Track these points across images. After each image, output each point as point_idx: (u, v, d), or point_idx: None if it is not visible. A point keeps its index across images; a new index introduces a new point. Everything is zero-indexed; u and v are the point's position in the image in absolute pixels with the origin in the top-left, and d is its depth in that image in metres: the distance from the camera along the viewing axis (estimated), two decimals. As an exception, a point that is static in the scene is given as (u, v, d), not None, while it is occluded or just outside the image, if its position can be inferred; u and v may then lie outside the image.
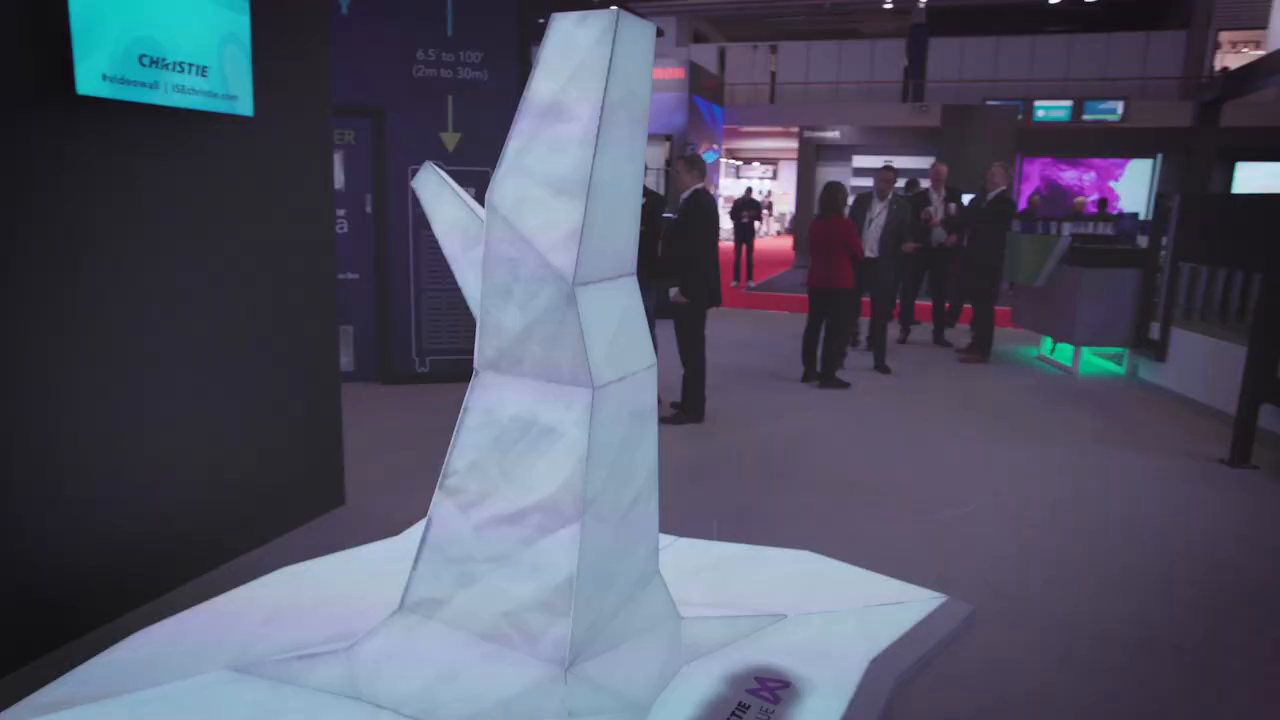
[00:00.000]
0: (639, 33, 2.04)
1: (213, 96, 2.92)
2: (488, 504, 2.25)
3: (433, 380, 6.20)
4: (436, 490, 2.32)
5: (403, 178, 6.03)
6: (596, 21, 1.97)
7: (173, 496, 3.02)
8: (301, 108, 3.48)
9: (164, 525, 2.98)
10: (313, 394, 3.72)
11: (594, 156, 1.97)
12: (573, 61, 1.99)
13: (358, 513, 3.84)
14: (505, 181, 2.09)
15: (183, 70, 2.80)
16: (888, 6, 22.27)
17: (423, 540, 2.34)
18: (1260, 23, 23.76)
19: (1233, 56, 25.65)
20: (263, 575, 2.92)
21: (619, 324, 2.21)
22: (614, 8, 1.93)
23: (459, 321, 6.28)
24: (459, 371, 6.29)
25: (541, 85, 2.03)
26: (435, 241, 6.23)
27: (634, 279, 2.30)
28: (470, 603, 2.26)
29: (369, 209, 6.00)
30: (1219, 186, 19.60)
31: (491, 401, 2.25)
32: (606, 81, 1.95)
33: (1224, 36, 24.80)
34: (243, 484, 3.33)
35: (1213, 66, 23.66)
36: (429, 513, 2.33)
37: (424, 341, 6.20)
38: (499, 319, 2.19)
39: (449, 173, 6.38)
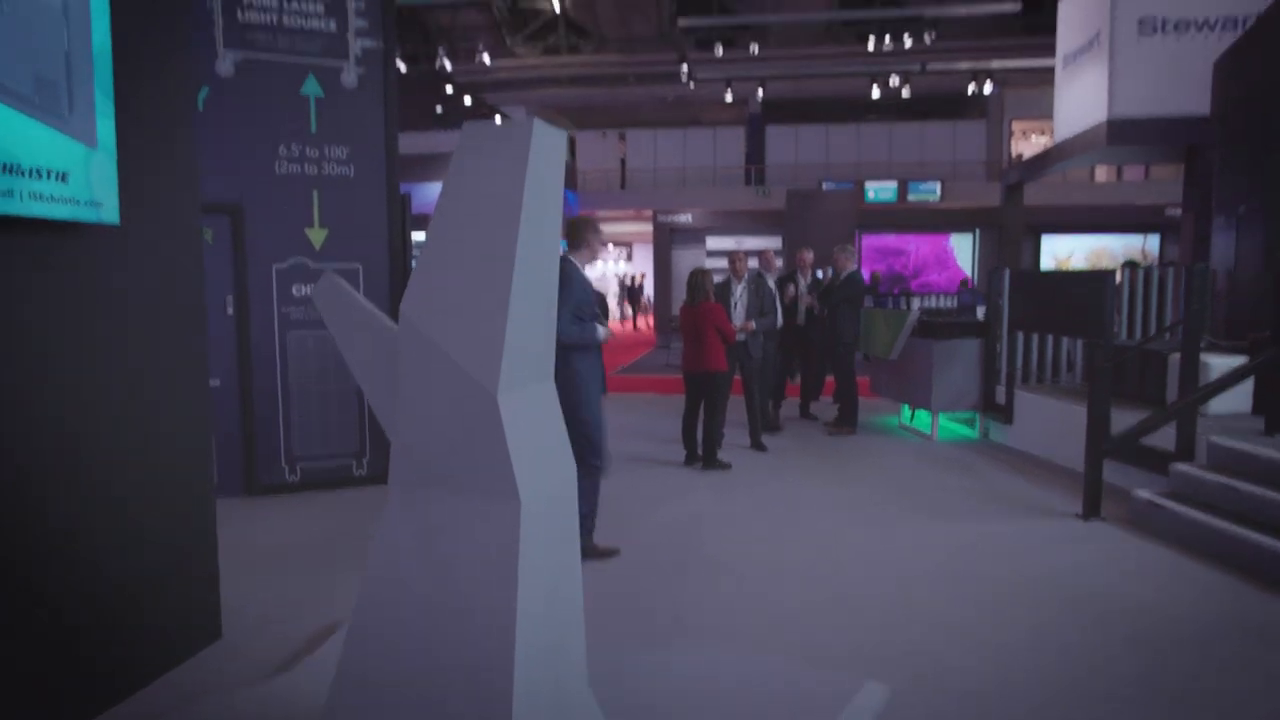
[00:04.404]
0: (553, 141, 2.06)
1: (75, 204, 2.70)
2: (408, 630, 2.10)
3: (304, 489, 5.82)
4: (352, 620, 2.15)
5: (266, 276, 5.75)
6: (512, 131, 1.98)
7: (20, 644, 2.64)
8: (170, 213, 3.27)
9: (13, 681, 2.60)
10: (185, 516, 3.40)
11: (514, 265, 1.95)
12: (488, 170, 1.98)
13: (237, 648, 3.49)
14: (419, 290, 2.03)
15: (40, 176, 2.58)
16: (728, 101, 23.74)
17: (336, 682, 2.15)
18: (1043, 114, 27.05)
19: (1025, 144, 28.90)
20: (137, 733, 2.59)
21: (540, 433, 2.16)
22: (532, 117, 1.94)
23: (329, 424, 5.97)
24: (333, 478, 5.97)
25: (456, 194, 2.00)
26: (303, 341, 5.99)
27: (552, 385, 2.27)
28: (395, 744, 2.08)
29: (230, 310, 5.67)
30: (1029, 255, 21.79)
31: (409, 520, 2.13)
32: (524, 190, 1.95)
33: (1016, 125, 27.95)
34: (108, 623, 2.96)
35: (1010, 152, 26.61)
36: (343, 647, 2.15)
37: (293, 448, 5.84)
38: (415, 433, 2.09)
39: (316, 270, 6.19)
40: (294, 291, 5.86)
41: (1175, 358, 6.13)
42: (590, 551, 4.46)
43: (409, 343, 2.01)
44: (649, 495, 5.94)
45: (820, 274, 9.33)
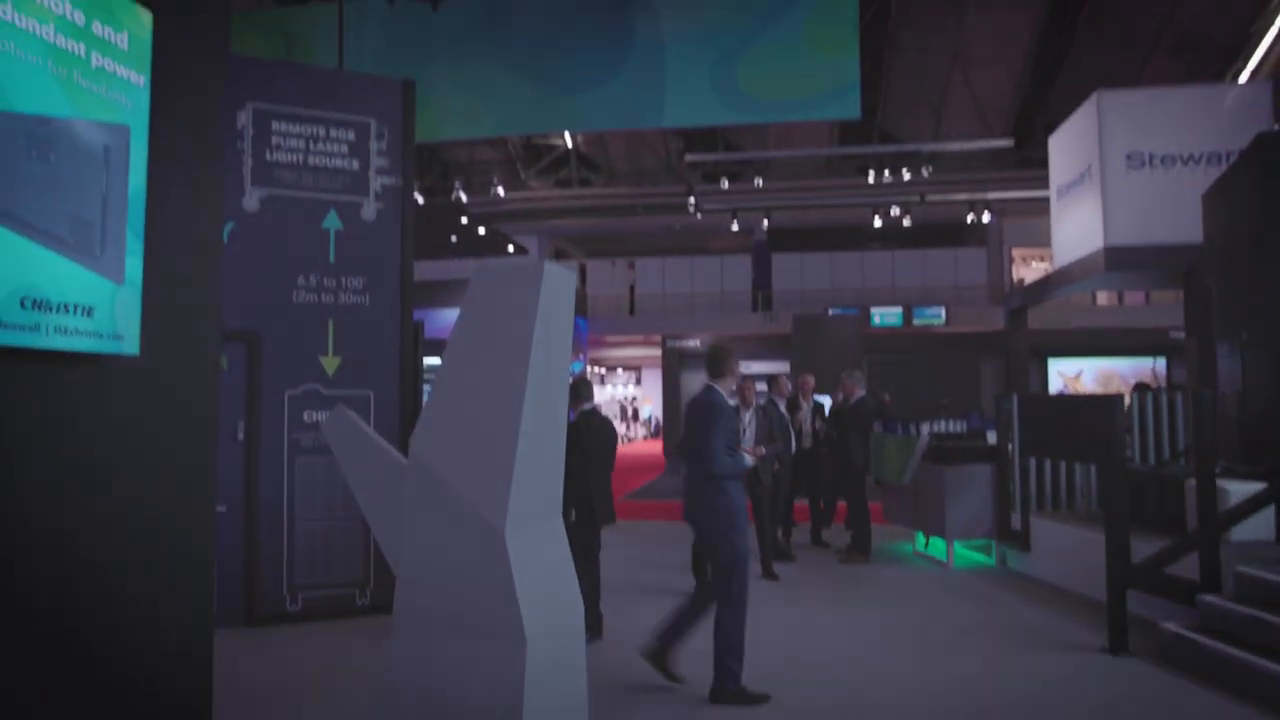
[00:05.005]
0: (562, 281, 2.13)
1: (98, 337, 2.78)
2: (408, 782, 2.01)
3: (305, 619, 5.68)
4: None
5: (279, 403, 5.81)
6: (523, 274, 2.04)
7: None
8: (189, 345, 3.35)
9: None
10: (181, 652, 3.31)
11: (522, 407, 1.97)
12: (499, 312, 2.04)
13: (225, 792, 3.33)
14: (430, 428, 2.05)
15: (67, 311, 2.66)
16: (735, 230, 24.51)
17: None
18: (1041, 241, 27.83)
19: (1025, 269, 29.54)
20: None
21: (548, 571, 2.13)
22: (543, 259, 2.01)
23: (334, 552, 5.88)
24: (335, 608, 5.83)
25: (468, 334, 2.05)
26: (311, 468, 5.98)
27: (560, 521, 2.25)
28: None
29: (240, 436, 5.70)
30: (1037, 379, 21.85)
31: (412, 655, 2.07)
32: (534, 333, 1.99)
33: (1016, 252, 28.63)
34: (89, 773, 2.83)
35: (1011, 277, 27.16)
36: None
37: (296, 576, 5.74)
38: (421, 569, 2.06)
39: (328, 396, 6.25)
40: (305, 418, 5.90)
41: (1192, 483, 6.04)
42: (740, 696, 4.18)
43: (417, 479, 2.01)
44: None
45: (832, 398, 9.38)
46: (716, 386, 4.46)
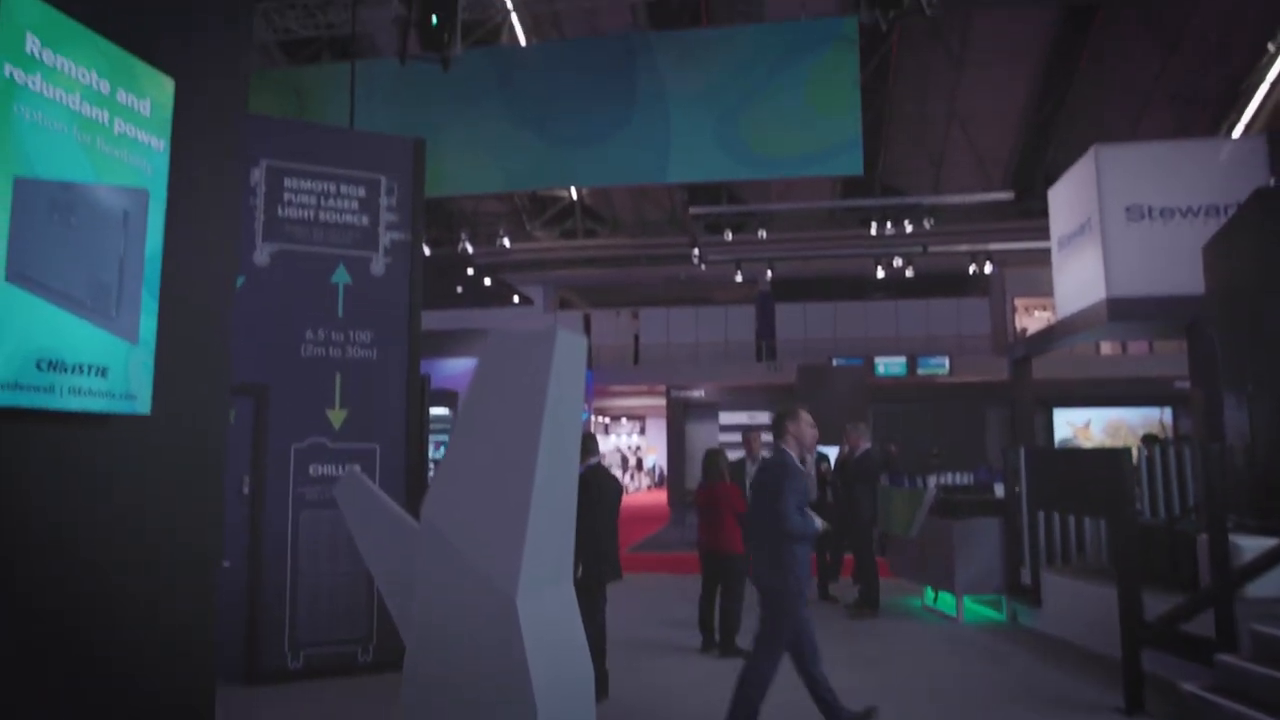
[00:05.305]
0: (574, 347, 2.15)
1: (110, 397, 2.80)
2: None
3: (307, 677, 5.60)
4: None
5: (285, 456, 5.81)
6: (535, 339, 2.07)
7: None
8: (199, 403, 3.37)
9: None
10: (181, 705, 3.27)
11: (535, 474, 1.97)
12: (512, 376, 2.06)
13: None
14: (442, 493, 2.05)
15: (82, 372, 2.69)
16: (738, 281, 24.69)
17: None
18: (1043, 291, 27.95)
19: (1028, 318, 29.63)
20: None
21: (558, 636, 2.11)
22: (553, 325, 2.04)
23: (337, 608, 5.82)
24: (337, 665, 5.75)
25: (480, 399, 2.07)
26: (316, 523, 5.96)
27: (570, 585, 2.24)
28: None
29: (246, 490, 5.69)
30: (1042, 430, 21.75)
31: (424, 716, 2.05)
32: (546, 401, 2.01)
33: (1018, 302, 28.76)
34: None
35: (1014, 327, 27.23)
36: None
37: (299, 633, 5.67)
38: (431, 633, 2.05)
39: (335, 450, 6.24)
40: (311, 471, 5.90)
41: (1204, 539, 5.98)
42: None
43: (429, 545, 2.01)
44: (663, 685, 5.67)
45: (838, 450, 9.36)
46: (785, 448, 4.47)
